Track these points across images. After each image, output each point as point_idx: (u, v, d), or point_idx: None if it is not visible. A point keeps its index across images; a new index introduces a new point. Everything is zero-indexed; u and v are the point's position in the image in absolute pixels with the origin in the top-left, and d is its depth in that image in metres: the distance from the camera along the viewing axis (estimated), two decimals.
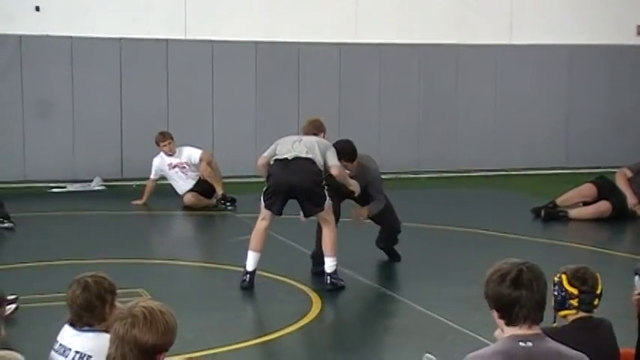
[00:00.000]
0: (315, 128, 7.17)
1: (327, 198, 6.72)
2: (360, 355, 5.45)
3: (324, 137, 7.11)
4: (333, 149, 6.87)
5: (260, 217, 6.81)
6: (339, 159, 6.87)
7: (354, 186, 7.12)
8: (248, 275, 6.69)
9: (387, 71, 13.36)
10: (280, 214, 6.79)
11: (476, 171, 13.66)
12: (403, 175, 13.32)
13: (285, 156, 6.67)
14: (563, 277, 3.70)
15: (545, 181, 13.03)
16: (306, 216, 6.86)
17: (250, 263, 6.70)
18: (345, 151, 7.12)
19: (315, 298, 6.48)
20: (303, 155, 6.65)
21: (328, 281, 6.69)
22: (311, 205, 6.70)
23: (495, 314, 2.97)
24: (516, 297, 2.88)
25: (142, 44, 12.19)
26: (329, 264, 6.72)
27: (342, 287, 6.72)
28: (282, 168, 6.67)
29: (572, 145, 14.26)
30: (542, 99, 14.09)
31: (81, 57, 11.99)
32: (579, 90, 14.22)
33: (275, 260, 7.14)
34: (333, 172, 6.78)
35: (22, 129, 11.91)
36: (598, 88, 14.30)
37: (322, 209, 6.71)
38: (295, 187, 6.63)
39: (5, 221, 9.00)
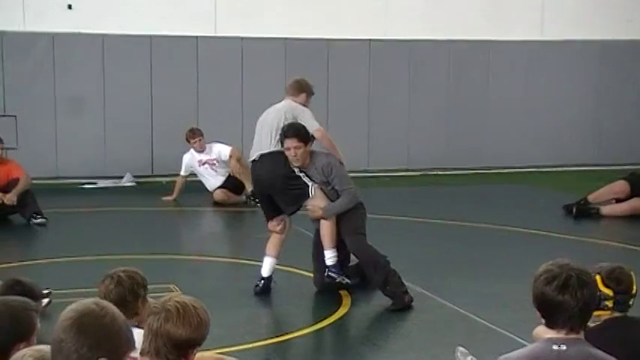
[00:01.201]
0: (295, 90, 6.57)
1: (310, 186, 6.23)
2: (389, 351, 5.44)
3: (307, 100, 6.57)
4: (307, 111, 6.40)
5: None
6: (288, 137, 6.16)
7: (340, 154, 6.43)
8: (262, 281, 6.48)
9: (417, 68, 13.31)
10: (273, 216, 6.47)
11: (506, 168, 13.57)
12: (432, 172, 13.29)
13: (253, 158, 6.42)
14: (598, 278, 3.65)
15: (577, 177, 12.91)
16: (287, 214, 6.44)
17: (265, 269, 6.51)
18: (297, 128, 6.24)
19: (344, 294, 6.46)
20: (268, 150, 6.27)
21: (326, 273, 6.32)
22: (287, 202, 6.32)
23: (537, 313, 2.95)
24: (559, 302, 2.83)
25: (172, 41, 12.27)
26: (328, 256, 6.30)
27: (343, 283, 6.34)
28: (253, 170, 6.50)
29: (604, 141, 14.10)
30: (574, 95, 13.95)
31: (112, 54, 12.09)
32: (611, 86, 14.05)
33: (305, 257, 7.13)
34: (316, 135, 6.32)
35: (55, 126, 12.04)
36: (630, 84, 14.13)
37: (299, 207, 6.32)
38: (266, 186, 6.36)
39: (38, 217, 9.11)
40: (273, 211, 6.46)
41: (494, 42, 13.51)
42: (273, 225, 6.50)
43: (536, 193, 11.79)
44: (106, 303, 2.30)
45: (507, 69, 13.68)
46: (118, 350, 2.26)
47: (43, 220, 9.11)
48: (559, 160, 13.81)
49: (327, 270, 6.33)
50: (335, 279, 6.32)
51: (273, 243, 6.54)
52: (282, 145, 6.24)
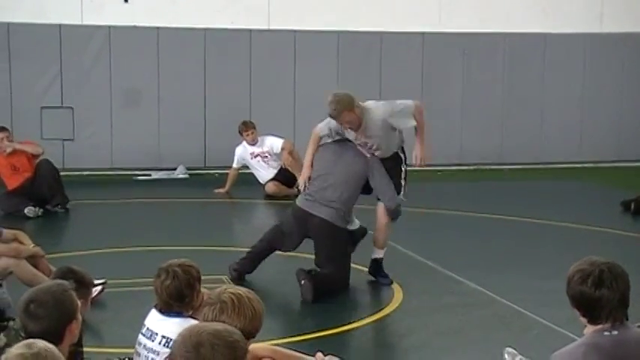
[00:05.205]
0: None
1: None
2: (441, 347, 5.38)
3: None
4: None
5: None
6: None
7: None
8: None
9: (471, 60, 13.16)
10: None
11: (562, 163, 13.34)
12: (486, 167, 13.13)
13: None
14: None
15: (635, 173, 12.64)
16: None
17: None
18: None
19: (396, 288, 6.44)
20: None
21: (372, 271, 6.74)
22: None
23: (577, 312, 3.00)
24: (598, 297, 2.91)
25: (226, 34, 12.33)
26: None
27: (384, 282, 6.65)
28: None
29: None
30: (634, 89, 13.64)
31: (167, 47, 12.21)
32: None
33: (358, 251, 7.10)
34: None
35: (110, 118, 12.21)
36: None
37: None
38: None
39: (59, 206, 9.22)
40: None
41: (550, 35, 13.28)
42: None
43: (593, 189, 11.57)
44: None
45: (564, 63, 13.43)
46: None
47: (63, 210, 9.20)
48: (617, 156, 13.53)
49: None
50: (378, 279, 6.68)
51: None
52: None
